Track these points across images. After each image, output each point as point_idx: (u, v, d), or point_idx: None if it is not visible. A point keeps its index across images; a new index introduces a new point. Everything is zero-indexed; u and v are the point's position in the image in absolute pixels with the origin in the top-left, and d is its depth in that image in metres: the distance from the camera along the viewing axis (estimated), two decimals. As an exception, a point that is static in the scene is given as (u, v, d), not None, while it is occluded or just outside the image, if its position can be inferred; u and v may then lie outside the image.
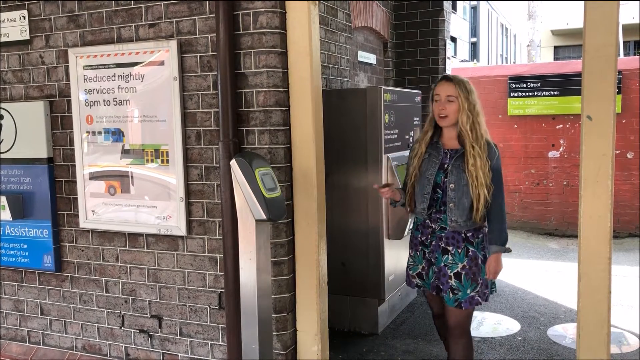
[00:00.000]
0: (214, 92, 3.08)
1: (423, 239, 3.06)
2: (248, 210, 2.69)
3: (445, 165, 2.95)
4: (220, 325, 3.20)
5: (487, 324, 4.53)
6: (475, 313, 4.70)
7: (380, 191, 3.13)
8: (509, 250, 2.96)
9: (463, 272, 2.93)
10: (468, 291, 2.93)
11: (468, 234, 2.94)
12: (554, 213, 8.12)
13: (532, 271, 6.18)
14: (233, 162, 2.72)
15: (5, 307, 3.80)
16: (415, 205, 3.07)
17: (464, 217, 2.90)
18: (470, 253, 2.93)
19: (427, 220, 3.03)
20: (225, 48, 2.93)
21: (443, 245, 2.97)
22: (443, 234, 2.97)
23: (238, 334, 2.89)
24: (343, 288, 4.25)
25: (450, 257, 2.95)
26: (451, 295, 2.94)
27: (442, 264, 2.97)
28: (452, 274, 2.94)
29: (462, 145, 2.93)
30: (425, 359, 3.87)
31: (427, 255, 3.05)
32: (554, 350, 4.01)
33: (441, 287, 2.99)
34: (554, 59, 21.41)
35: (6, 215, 3.55)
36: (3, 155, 3.62)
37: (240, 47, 2.98)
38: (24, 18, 3.47)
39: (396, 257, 4.42)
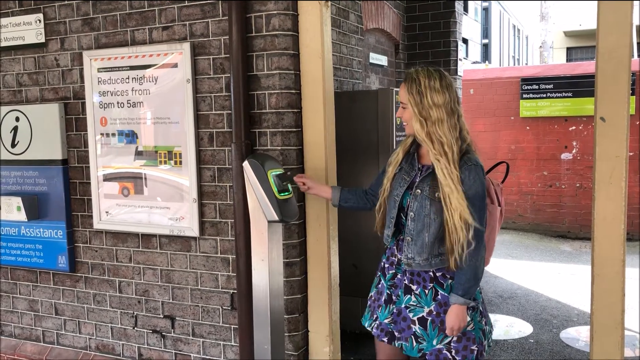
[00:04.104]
0: (226, 94, 3.10)
1: (387, 266, 2.55)
2: (260, 211, 2.70)
3: (414, 186, 2.41)
4: (232, 326, 3.21)
5: (499, 326, 4.51)
6: (487, 315, 4.69)
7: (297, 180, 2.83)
8: (472, 305, 2.34)
9: (429, 319, 2.38)
10: (434, 342, 2.37)
11: (437, 274, 2.38)
12: (567, 215, 8.07)
13: (545, 273, 6.14)
14: (245, 164, 2.74)
15: (20, 307, 3.84)
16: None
17: (423, 254, 2.35)
18: (439, 297, 2.37)
19: (394, 247, 2.52)
20: (238, 50, 2.95)
21: (407, 282, 2.43)
22: (408, 269, 2.43)
23: (250, 335, 2.91)
24: (355, 290, 4.24)
25: (413, 298, 2.41)
26: (414, 343, 2.39)
27: (403, 305, 2.43)
28: (415, 319, 2.40)
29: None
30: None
31: (381, 285, 2.57)
32: (567, 353, 3.99)
33: (397, 334, 2.44)
34: (567, 61, 21.28)
35: (21, 216, 3.60)
36: (19, 157, 3.67)
37: (253, 49, 3.00)
38: (40, 21, 3.52)
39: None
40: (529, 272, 6.17)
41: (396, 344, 2.45)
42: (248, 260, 2.91)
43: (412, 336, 2.40)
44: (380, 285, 2.58)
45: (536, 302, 5.11)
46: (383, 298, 2.53)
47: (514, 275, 6.02)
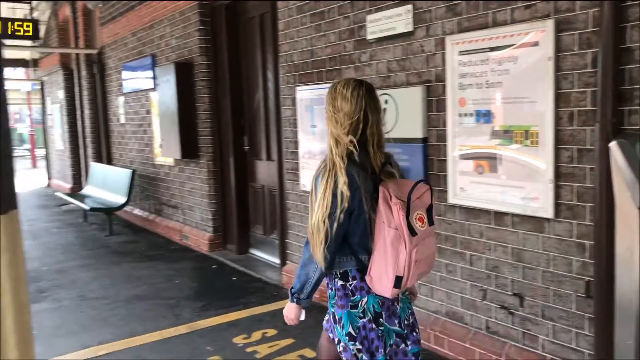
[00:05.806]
0: (592, 70, 2.91)
1: None
2: (628, 197, 2.51)
3: None
4: (586, 315, 3.06)
5: None
6: None
7: None
8: (301, 305, 2.48)
9: None
10: None
11: (328, 282, 2.52)
12: None
13: None
14: (613, 145, 2.57)
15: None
16: None
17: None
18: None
19: None
20: (609, 22, 2.74)
21: None
22: None
23: (608, 328, 2.74)
24: None
25: None
26: None
27: None
28: None
29: None
30: None
31: None
32: None
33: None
34: None
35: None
36: (386, 135, 4.13)
37: (627, 19, 2.74)
38: (409, 12, 3.88)
39: None
40: None
41: None
42: (609, 248, 2.73)
43: None
44: None
45: None
46: None
47: None
